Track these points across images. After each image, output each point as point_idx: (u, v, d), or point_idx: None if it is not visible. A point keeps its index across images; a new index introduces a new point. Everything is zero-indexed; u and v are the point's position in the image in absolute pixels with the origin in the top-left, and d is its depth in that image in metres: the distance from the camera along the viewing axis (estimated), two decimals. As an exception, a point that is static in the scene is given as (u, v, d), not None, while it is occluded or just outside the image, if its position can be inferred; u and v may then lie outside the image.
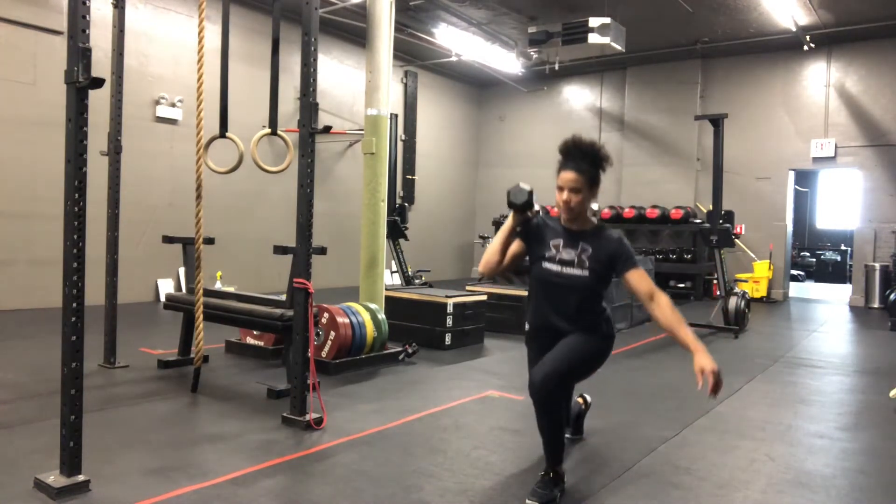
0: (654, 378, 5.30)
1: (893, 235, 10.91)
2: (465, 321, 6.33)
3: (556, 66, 11.83)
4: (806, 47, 10.86)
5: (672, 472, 3.17)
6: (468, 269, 15.15)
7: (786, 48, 11.43)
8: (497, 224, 13.76)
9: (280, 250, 4.04)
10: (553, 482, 2.82)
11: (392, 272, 11.03)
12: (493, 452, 3.37)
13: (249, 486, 2.83)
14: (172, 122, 9.18)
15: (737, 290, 7.92)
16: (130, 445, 3.29)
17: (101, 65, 5.02)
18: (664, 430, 3.84)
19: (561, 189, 2.81)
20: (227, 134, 4.56)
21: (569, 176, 2.79)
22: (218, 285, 8.33)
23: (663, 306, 2.75)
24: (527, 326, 3.09)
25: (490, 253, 2.90)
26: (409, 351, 5.66)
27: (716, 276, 8.26)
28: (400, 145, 12.10)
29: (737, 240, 11.29)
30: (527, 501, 2.74)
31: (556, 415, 2.78)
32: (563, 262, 2.85)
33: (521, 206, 2.84)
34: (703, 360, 2.45)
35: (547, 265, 2.87)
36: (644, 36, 11.16)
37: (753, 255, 12.02)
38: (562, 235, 2.88)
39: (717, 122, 8.08)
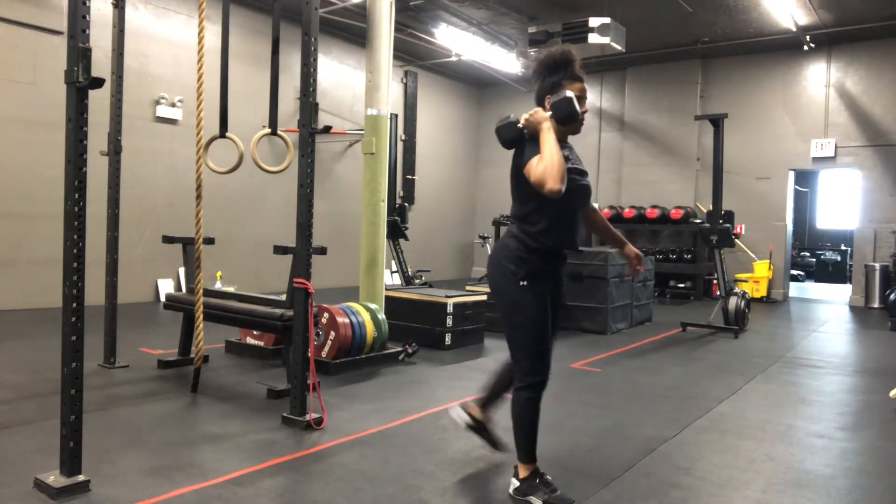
0: (654, 378, 5.30)
1: (893, 235, 10.91)
2: (465, 321, 6.33)
3: (556, 66, 11.80)
4: (806, 47, 10.87)
5: (672, 472, 3.17)
6: (468, 269, 15.15)
7: (786, 48, 11.43)
8: (497, 223, 13.76)
9: (280, 250, 4.04)
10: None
11: (392, 272, 11.03)
12: (493, 452, 3.37)
13: (249, 486, 2.83)
14: (172, 122, 9.18)
15: (737, 290, 7.92)
16: (130, 445, 3.29)
17: (101, 65, 5.02)
18: (664, 430, 3.84)
19: (581, 99, 2.73)
20: (227, 134, 4.56)
21: (583, 85, 2.76)
22: (218, 285, 8.33)
23: (598, 210, 3.14)
24: (535, 248, 2.72)
25: (559, 165, 2.52)
26: (409, 351, 5.66)
27: (716, 276, 8.26)
28: (400, 145, 12.11)
29: (737, 240, 11.28)
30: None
31: None
32: (581, 173, 2.78)
33: (572, 115, 2.63)
34: (633, 248, 3.13)
35: (574, 176, 2.68)
36: (644, 36, 11.16)
37: (753, 255, 12.02)
38: (564, 146, 2.74)
39: (717, 122, 8.08)
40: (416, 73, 13.30)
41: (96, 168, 3.86)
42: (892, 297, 8.56)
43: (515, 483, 2.80)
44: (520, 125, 2.71)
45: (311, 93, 3.67)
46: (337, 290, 10.26)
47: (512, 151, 2.81)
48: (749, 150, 12.03)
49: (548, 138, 2.59)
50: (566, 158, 2.66)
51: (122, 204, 4.99)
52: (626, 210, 12.41)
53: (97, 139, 3.91)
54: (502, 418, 3.09)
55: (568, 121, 2.66)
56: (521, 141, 2.73)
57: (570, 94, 2.64)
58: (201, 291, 4.32)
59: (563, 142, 2.75)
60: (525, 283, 2.71)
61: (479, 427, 3.17)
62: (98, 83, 2.63)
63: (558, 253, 2.81)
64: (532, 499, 2.72)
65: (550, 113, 2.66)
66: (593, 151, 13.85)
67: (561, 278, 2.94)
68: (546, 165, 2.52)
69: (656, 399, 4.62)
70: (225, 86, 4.57)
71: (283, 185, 9.62)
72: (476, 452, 3.36)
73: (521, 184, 2.71)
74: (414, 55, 12.78)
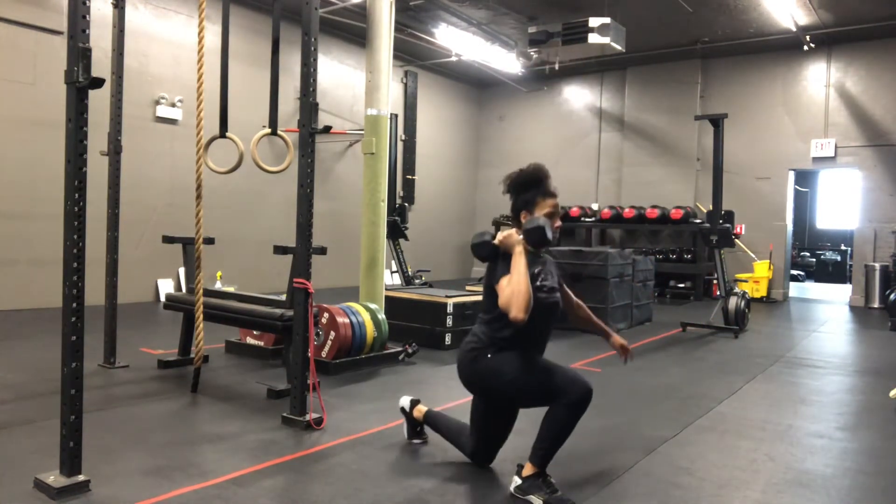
0: (654, 378, 5.30)
1: (893, 235, 10.91)
2: (465, 321, 6.33)
3: (556, 66, 11.83)
4: (806, 47, 10.87)
5: (672, 472, 3.17)
6: (468, 269, 15.15)
7: (786, 48, 11.43)
8: (497, 224, 13.75)
9: (280, 250, 4.04)
10: None
11: (392, 272, 11.03)
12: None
13: (249, 486, 2.83)
14: (172, 122, 9.18)
15: (737, 290, 7.92)
16: (130, 445, 3.29)
17: (101, 65, 5.01)
18: (664, 430, 3.84)
19: (553, 215, 2.89)
20: (227, 134, 4.56)
21: (555, 201, 2.91)
22: (218, 285, 8.33)
23: (583, 305, 3.26)
24: (499, 349, 2.84)
25: (525, 294, 2.65)
26: (409, 351, 5.66)
27: (716, 276, 8.26)
28: (400, 145, 12.10)
29: (737, 240, 11.28)
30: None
31: None
32: (551, 290, 2.91)
33: (543, 242, 2.80)
34: (619, 339, 3.24)
35: (539, 294, 2.81)
36: (644, 36, 11.16)
37: (753, 255, 12.02)
38: (537, 262, 2.92)
39: (717, 122, 8.08)
40: (416, 73, 13.30)
41: (96, 168, 3.86)
42: (892, 297, 8.56)
43: (518, 480, 2.81)
44: (495, 242, 2.89)
45: (311, 93, 3.67)
46: (337, 290, 10.26)
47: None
48: (749, 150, 12.04)
49: (518, 263, 2.73)
50: (536, 276, 2.83)
51: (122, 204, 4.99)
52: (626, 210, 12.41)
53: (97, 139, 3.90)
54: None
55: (540, 246, 2.84)
56: (496, 257, 2.90)
57: (542, 222, 2.78)
58: (201, 291, 4.32)
59: (536, 257, 2.91)
60: (490, 355, 2.85)
61: (412, 420, 3.42)
62: (98, 83, 2.63)
63: (533, 357, 2.90)
64: (532, 498, 2.73)
65: (523, 236, 2.82)
66: (593, 151, 13.86)
67: None
68: (513, 293, 2.67)
69: (656, 399, 4.62)
70: (225, 86, 4.57)
71: (283, 185, 9.63)
72: (476, 452, 3.36)
73: (491, 294, 2.87)
74: (414, 55, 12.78)
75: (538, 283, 2.83)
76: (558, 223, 2.93)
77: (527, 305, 2.64)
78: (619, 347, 3.23)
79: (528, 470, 2.79)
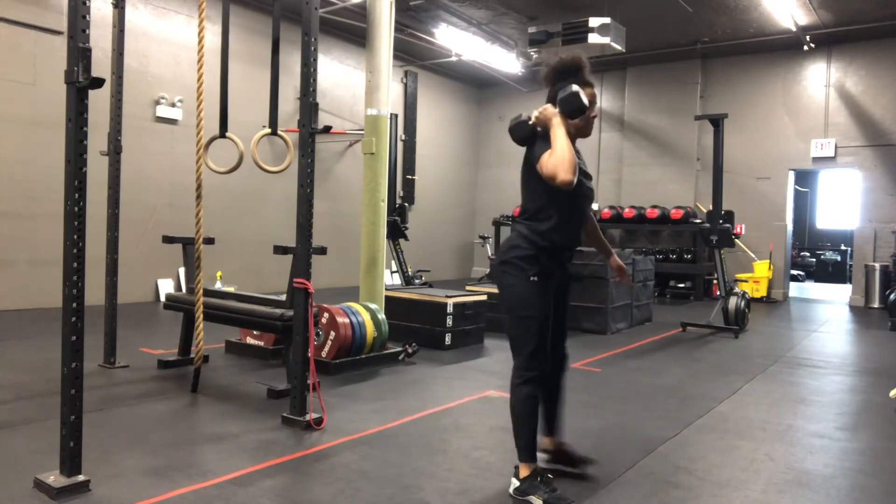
0: (654, 378, 5.30)
1: (893, 235, 10.91)
2: (465, 321, 6.33)
3: (556, 66, 11.80)
4: (806, 47, 10.87)
5: (672, 472, 3.17)
6: (468, 269, 15.15)
7: (786, 48, 11.43)
8: (497, 223, 13.76)
9: (280, 250, 4.05)
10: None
11: (392, 272, 11.03)
12: (493, 452, 3.37)
13: (249, 486, 2.83)
14: (172, 122, 9.18)
15: (737, 290, 7.92)
16: (130, 445, 3.29)
17: (101, 65, 5.02)
18: (664, 430, 3.84)
19: (591, 103, 2.81)
20: (227, 134, 4.56)
21: (593, 91, 2.86)
22: (218, 285, 8.33)
23: (592, 217, 3.19)
24: (544, 247, 2.77)
25: (571, 158, 2.60)
26: (409, 351, 5.66)
27: (716, 276, 8.26)
28: (400, 145, 12.10)
29: (737, 240, 11.28)
30: (579, 468, 2.96)
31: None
32: (587, 175, 2.88)
33: (580, 108, 2.72)
34: (617, 260, 3.26)
35: (581, 178, 2.76)
36: (644, 36, 11.16)
37: (753, 255, 12.02)
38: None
39: (717, 122, 8.08)
40: (416, 73, 13.30)
41: (96, 168, 3.86)
42: (892, 297, 8.56)
43: (516, 483, 2.80)
44: (531, 122, 2.80)
45: (311, 93, 3.67)
46: (337, 290, 10.26)
47: (522, 150, 2.91)
48: (749, 150, 12.04)
49: (558, 133, 2.67)
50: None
51: (122, 204, 4.99)
52: (626, 210, 12.41)
53: (97, 139, 3.91)
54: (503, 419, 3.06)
55: (576, 114, 2.74)
56: (533, 138, 2.81)
57: (575, 87, 2.71)
58: (201, 291, 4.32)
59: (572, 138, 2.84)
60: (536, 278, 2.77)
61: (558, 454, 3.11)
62: (98, 83, 2.63)
63: (565, 250, 2.90)
64: (532, 498, 2.72)
65: (558, 108, 2.74)
66: (593, 151, 13.84)
67: (568, 275, 3.00)
68: (558, 158, 2.61)
69: (656, 399, 4.62)
70: (225, 86, 4.57)
71: (283, 185, 9.63)
72: (476, 452, 3.36)
73: (532, 179, 2.80)
74: (414, 55, 12.78)
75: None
76: (595, 112, 2.88)
77: (573, 168, 2.59)
78: (615, 268, 3.27)
79: (524, 470, 2.79)
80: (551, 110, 2.76)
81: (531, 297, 2.78)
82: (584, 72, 2.85)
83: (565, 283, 3.00)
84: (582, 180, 2.77)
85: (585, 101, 2.71)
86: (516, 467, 2.84)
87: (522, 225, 2.85)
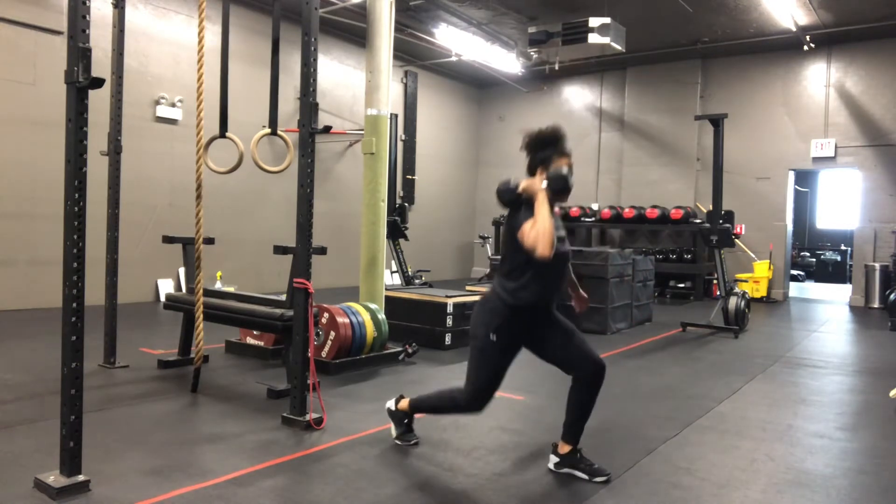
0: (654, 378, 5.30)
1: (893, 235, 10.91)
2: (465, 321, 6.33)
3: (556, 66, 11.83)
4: (806, 47, 10.87)
5: (672, 472, 3.17)
6: (468, 269, 15.15)
7: (786, 48, 11.43)
8: (497, 223, 13.76)
9: (280, 250, 4.05)
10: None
11: (392, 272, 11.03)
12: (492, 452, 3.37)
13: (249, 486, 2.83)
14: (172, 122, 9.18)
15: (737, 290, 7.92)
16: (130, 445, 3.29)
17: (101, 65, 5.01)
18: (664, 430, 3.85)
19: (569, 172, 3.02)
20: (227, 134, 4.56)
21: (570, 160, 3.05)
22: (218, 285, 8.33)
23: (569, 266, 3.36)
24: (511, 305, 2.98)
25: (550, 233, 2.77)
26: (409, 351, 5.66)
27: (716, 276, 8.26)
28: (400, 145, 12.10)
29: (737, 240, 11.28)
30: (596, 480, 2.99)
31: None
32: (562, 240, 3.04)
33: (565, 189, 2.95)
34: (581, 294, 3.44)
35: (557, 245, 2.92)
36: (644, 36, 11.16)
37: (753, 255, 12.02)
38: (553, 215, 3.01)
39: (717, 122, 8.08)
40: (416, 73, 13.30)
41: (96, 168, 3.86)
42: (892, 297, 8.56)
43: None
44: (518, 190, 2.99)
45: (311, 93, 3.67)
46: (337, 290, 10.26)
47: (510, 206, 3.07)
48: (749, 150, 12.04)
49: (542, 209, 2.86)
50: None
51: (122, 204, 4.99)
52: (626, 210, 12.41)
53: (97, 139, 3.91)
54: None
55: (562, 193, 2.98)
56: (518, 203, 3.00)
57: (564, 170, 2.95)
58: (201, 291, 4.32)
59: (552, 208, 3.00)
60: (494, 337, 3.01)
61: (572, 460, 3.14)
62: (98, 83, 2.63)
63: (537, 308, 3.06)
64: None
65: (546, 184, 2.93)
66: (593, 151, 13.85)
67: (552, 319, 3.12)
68: (539, 233, 2.79)
69: (656, 399, 4.62)
70: (225, 86, 4.57)
71: (283, 185, 9.63)
72: (476, 452, 3.36)
73: (512, 241, 2.98)
74: (414, 55, 12.78)
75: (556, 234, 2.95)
76: (572, 178, 3.07)
77: (552, 243, 2.78)
78: (577, 300, 3.43)
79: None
80: (538, 185, 2.93)
81: (487, 351, 3.03)
82: (563, 142, 3.04)
83: (550, 321, 3.11)
84: (558, 246, 2.91)
85: (572, 184, 2.96)
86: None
87: (498, 281, 3.09)
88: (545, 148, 3.03)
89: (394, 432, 3.47)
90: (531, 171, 3.07)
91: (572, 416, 3.11)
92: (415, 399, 3.41)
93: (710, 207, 8.13)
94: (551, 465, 3.13)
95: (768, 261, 11.84)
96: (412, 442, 3.44)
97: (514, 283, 3.00)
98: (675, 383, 5.12)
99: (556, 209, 3.04)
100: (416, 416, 3.50)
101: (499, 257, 3.23)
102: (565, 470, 3.07)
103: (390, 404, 3.50)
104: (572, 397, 3.12)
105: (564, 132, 3.07)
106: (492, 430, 3.75)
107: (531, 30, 9.42)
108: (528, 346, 3.14)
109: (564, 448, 3.10)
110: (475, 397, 3.08)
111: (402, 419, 3.46)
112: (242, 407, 4.07)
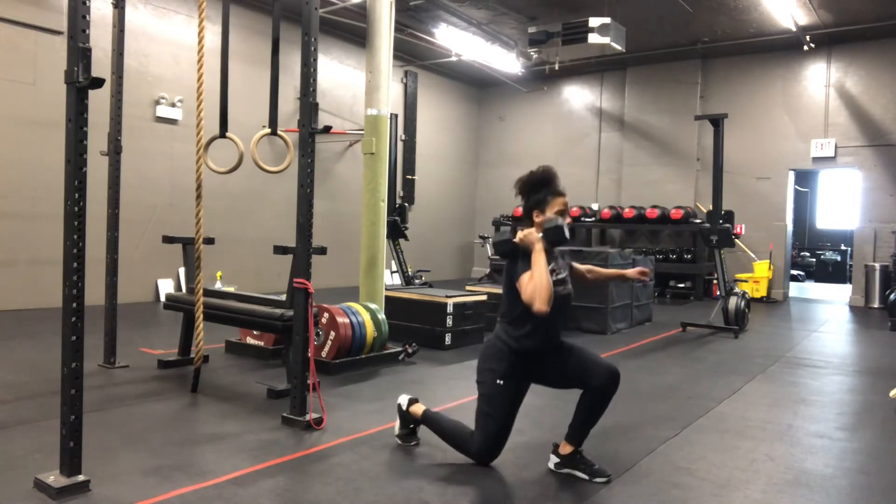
0: (654, 378, 5.30)
1: (893, 235, 10.91)
2: (465, 321, 6.33)
3: (556, 66, 11.83)
4: (806, 47, 10.87)
5: (672, 472, 3.17)
6: (468, 269, 15.15)
7: (786, 48, 11.43)
8: (497, 224, 13.77)
9: (280, 250, 4.04)
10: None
11: (392, 272, 11.03)
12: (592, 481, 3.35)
13: (249, 486, 2.83)
14: (172, 122, 9.18)
15: (737, 290, 7.92)
16: (130, 445, 3.29)
17: (101, 65, 5.01)
18: (664, 430, 3.84)
19: (564, 212, 3.06)
20: (227, 134, 4.56)
21: (565, 199, 3.09)
22: (218, 285, 8.33)
23: (592, 268, 3.54)
24: (516, 350, 3.03)
25: (547, 288, 2.82)
26: (409, 351, 5.66)
27: (716, 276, 8.26)
28: (400, 145, 12.10)
29: (737, 240, 11.28)
30: (596, 480, 2.98)
31: None
32: (563, 282, 3.11)
33: (561, 240, 2.97)
34: (631, 272, 3.43)
35: (557, 288, 2.99)
36: (644, 36, 11.16)
37: (753, 255, 12.02)
38: (551, 257, 3.07)
39: (717, 122, 8.08)
40: (416, 73, 13.30)
41: (96, 168, 3.86)
42: (892, 297, 8.56)
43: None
44: (515, 241, 3.00)
45: (311, 93, 3.67)
46: (337, 290, 10.26)
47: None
48: (749, 150, 12.04)
49: (539, 261, 2.88)
50: (552, 271, 3.00)
51: (122, 204, 4.99)
52: (626, 210, 12.40)
53: (97, 139, 3.91)
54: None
55: (558, 244, 3.02)
56: (516, 254, 3.02)
57: (560, 221, 2.96)
58: (201, 291, 4.32)
59: (550, 253, 3.06)
60: (501, 382, 3.04)
61: (574, 461, 3.14)
62: (98, 83, 2.63)
63: (539, 352, 3.09)
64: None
65: (542, 235, 2.96)
66: (593, 151, 13.86)
67: (559, 347, 3.15)
68: (536, 287, 2.83)
69: (656, 399, 4.62)
70: (225, 86, 4.57)
71: (283, 185, 9.63)
72: (476, 452, 3.36)
73: (512, 291, 3.02)
74: (414, 55, 12.78)
75: (554, 278, 3.00)
76: (569, 219, 3.09)
77: (549, 298, 2.82)
78: (636, 276, 3.44)
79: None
80: (534, 236, 2.94)
81: (495, 398, 3.05)
82: (556, 182, 3.08)
83: (558, 352, 3.13)
84: (558, 291, 2.97)
85: (567, 233, 2.95)
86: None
87: (501, 327, 3.12)
88: (539, 190, 3.06)
89: (396, 430, 3.46)
90: (527, 213, 3.10)
91: (580, 420, 3.09)
92: (430, 413, 3.36)
93: (710, 207, 8.13)
94: (551, 466, 3.13)
95: (768, 261, 11.84)
96: (413, 443, 3.43)
97: (518, 332, 3.03)
98: (675, 383, 5.12)
99: (567, 219, 3.05)
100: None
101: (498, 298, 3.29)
102: (565, 470, 3.07)
103: (402, 401, 3.44)
104: (584, 402, 3.09)
105: (555, 172, 3.11)
106: (492, 430, 3.75)
107: (531, 30, 9.43)
108: (539, 382, 3.18)
109: (566, 448, 3.10)
110: (487, 446, 3.08)
111: (409, 422, 3.44)
112: (242, 407, 4.07)
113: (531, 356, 3.07)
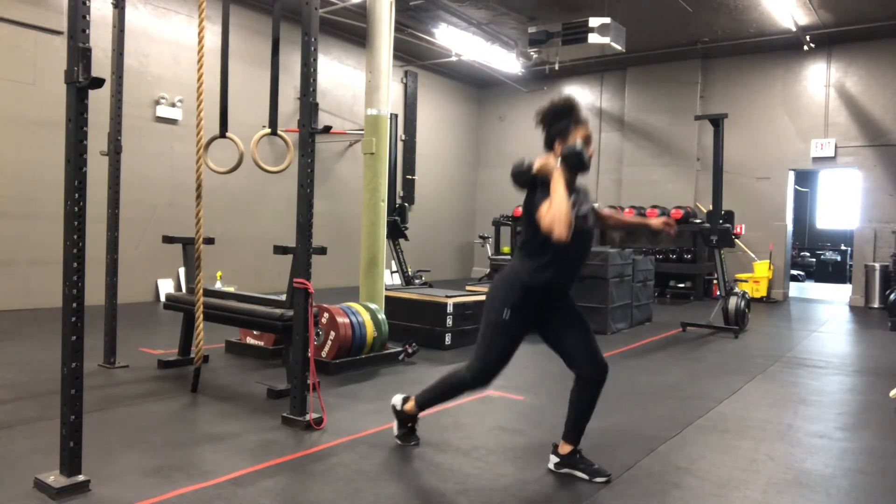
0: (654, 378, 5.30)
1: (893, 235, 10.91)
2: (465, 321, 6.33)
3: (556, 66, 11.83)
4: (806, 47, 10.87)
5: (672, 472, 3.17)
6: (468, 269, 15.15)
7: (786, 48, 11.43)
8: (497, 224, 13.76)
9: (280, 250, 4.04)
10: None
11: (392, 272, 11.03)
12: (492, 452, 3.37)
13: (249, 486, 2.83)
14: (172, 122, 9.18)
15: (737, 290, 7.92)
16: (130, 445, 3.29)
17: (101, 65, 5.01)
18: (664, 430, 3.84)
19: (587, 141, 2.95)
20: (227, 134, 4.56)
21: (587, 128, 2.98)
22: (218, 285, 8.33)
23: (612, 213, 3.52)
24: (528, 284, 2.95)
25: (566, 213, 2.69)
26: (409, 351, 5.66)
27: (716, 276, 8.26)
28: (400, 145, 12.10)
29: (737, 240, 11.28)
30: (596, 480, 2.98)
31: None
32: (584, 218, 3.00)
33: (581, 166, 2.88)
34: (657, 221, 3.45)
35: (576, 220, 2.88)
36: (644, 36, 11.16)
37: (753, 255, 12.02)
38: (572, 191, 2.97)
39: (717, 122, 8.08)
40: (416, 73, 13.30)
41: (96, 168, 3.86)
42: (892, 297, 8.56)
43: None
44: (533, 171, 2.91)
45: (311, 93, 3.67)
46: (337, 290, 10.26)
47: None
48: (749, 150, 12.04)
49: (558, 187, 2.78)
50: (573, 204, 2.88)
51: (122, 204, 4.99)
52: (626, 210, 12.40)
53: (97, 139, 3.91)
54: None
55: (578, 169, 2.92)
56: (535, 184, 2.94)
57: (579, 146, 2.87)
58: (201, 291, 4.32)
59: (571, 184, 2.96)
60: (507, 314, 2.98)
61: (572, 460, 3.12)
62: (98, 83, 2.63)
63: (556, 289, 3.03)
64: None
65: (560, 161, 2.87)
66: (594, 152, 13.83)
67: (567, 303, 3.10)
68: (554, 214, 2.71)
69: (656, 399, 4.62)
70: (225, 86, 4.57)
71: (283, 185, 9.62)
72: (476, 452, 3.36)
73: (532, 222, 2.91)
74: (414, 55, 12.78)
75: (575, 212, 2.88)
76: (591, 150, 2.98)
77: (569, 225, 2.71)
78: (661, 226, 3.44)
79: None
80: (553, 163, 2.87)
81: (500, 327, 3.00)
82: (578, 112, 2.99)
83: (566, 307, 3.09)
84: (580, 225, 2.90)
85: (586, 156, 2.86)
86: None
87: (519, 258, 3.05)
88: (560, 120, 2.97)
89: (395, 431, 3.46)
90: (548, 146, 3.01)
91: (574, 416, 3.10)
92: (419, 397, 3.34)
93: (710, 207, 8.13)
94: (551, 466, 3.12)
95: (768, 261, 11.84)
96: (412, 443, 3.43)
97: (534, 263, 2.95)
98: (675, 383, 5.12)
99: (590, 150, 2.96)
100: (421, 415, 3.46)
101: (519, 236, 3.23)
102: (565, 470, 3.07)
103: (396, 402, 3.43)
104: (574, 397, 3.11)
105: (577, 101, 3.02)
106: (492, 430, 3.76)
107: (531, 30, 9.43)
108: (538, 329, 3.09)
109: (565, 448, 3.09)
110: (483, 373, 3.05)
111: (406, 421, 3.43)
112: (242, 407, 4.07)
113: (543, 294, 2.99)
